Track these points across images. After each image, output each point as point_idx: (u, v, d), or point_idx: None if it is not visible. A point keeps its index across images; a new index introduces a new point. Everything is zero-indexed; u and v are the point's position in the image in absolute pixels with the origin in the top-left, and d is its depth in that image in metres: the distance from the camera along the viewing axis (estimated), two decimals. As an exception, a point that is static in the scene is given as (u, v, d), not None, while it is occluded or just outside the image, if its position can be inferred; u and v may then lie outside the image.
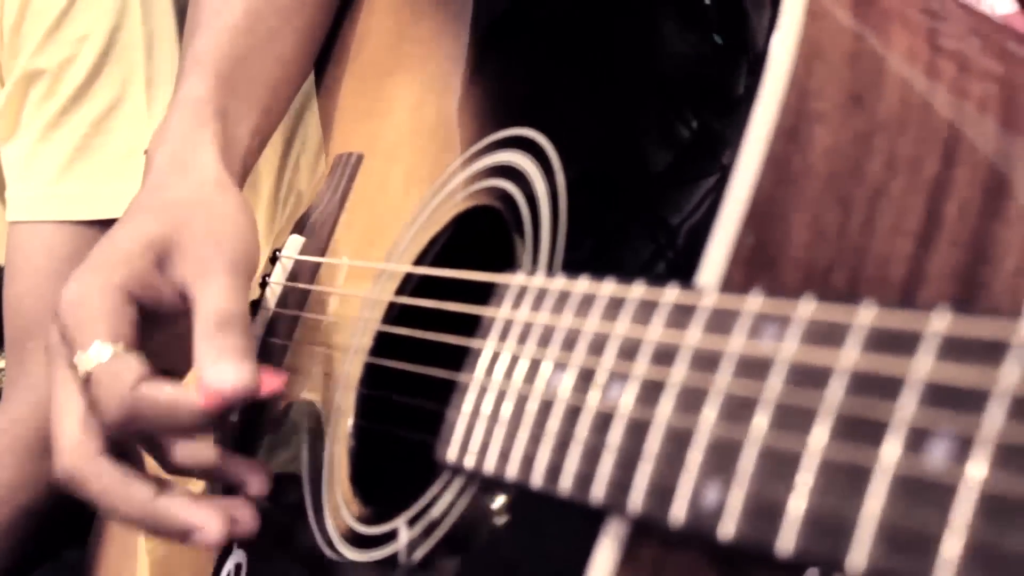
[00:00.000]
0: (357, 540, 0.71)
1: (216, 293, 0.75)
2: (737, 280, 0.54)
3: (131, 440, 0.76)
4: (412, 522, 0.66)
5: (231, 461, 0.77)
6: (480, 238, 0.74)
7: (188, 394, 0.72)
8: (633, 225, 0.62)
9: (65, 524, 1.26)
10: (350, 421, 0.77)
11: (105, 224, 1.29)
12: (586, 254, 0.63)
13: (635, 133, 0.65)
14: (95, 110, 1.29)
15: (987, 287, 0.57)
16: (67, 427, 0.75)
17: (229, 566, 0.82)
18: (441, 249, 0.77)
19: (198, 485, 0.87)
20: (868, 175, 0.56)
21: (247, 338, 0.74)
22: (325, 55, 0.99)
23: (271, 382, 0.74)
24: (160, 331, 0.77)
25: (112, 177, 1.30)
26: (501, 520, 0.61)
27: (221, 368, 0.72)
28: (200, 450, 0.75)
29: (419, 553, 0.65)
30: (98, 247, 0.79)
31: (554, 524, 0.59)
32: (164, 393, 0.72)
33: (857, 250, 0.56)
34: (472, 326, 0.66)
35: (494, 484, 0.61)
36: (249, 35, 0.91)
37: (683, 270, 0.56)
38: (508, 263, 0.67)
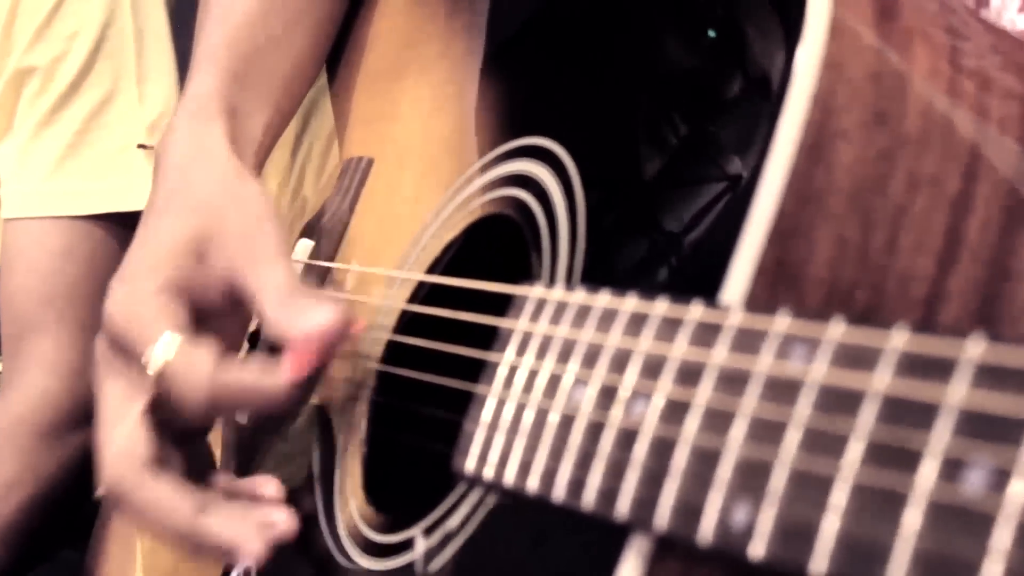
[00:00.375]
0: (371, 548, 0.71)
1: (279, 273, 0.74)
2: (761, 297, 0.55)
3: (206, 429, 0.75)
4: (429, 532, 0.66)
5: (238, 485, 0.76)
6: (494, 247, 0.74)
7: (272, 369, 0.71)
8: (651, 237, 0.62)
9: (64, 524, 1.26)
10: (363, 429, 0.77)
11: (99, 219, 1.29)
12: (605, 266, 0.64)
13: (653, 144, 0.65)
14: (87, 106, 1.30)
15: (1007, 306, 0.58)
16: (115, 437, 0.73)
17: (238, 571, 0.82)
18: (454, 257, 0.77)
19: None
20: (891, 192, 0.56)
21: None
22: (335, 58, 0.99)
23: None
24: (207, 330, 0.76)
25: (106, 172, 1.30)
26: (520, 533, 0.62)
27: (312, 314, 0.71)
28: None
29: (436, 563, 0.65)
30: (132, 255, 0.78)
31: (574, 538, 0.59)
32: (248, 371, 0.72)
33: (880, 268, 0.56)
34: (485, 336, 0.66)
35: (514, 496, 0.61)
36: (261, 30, 0.91)
37: (704, 283, 0.56)
38: (522, 273, 0.67)
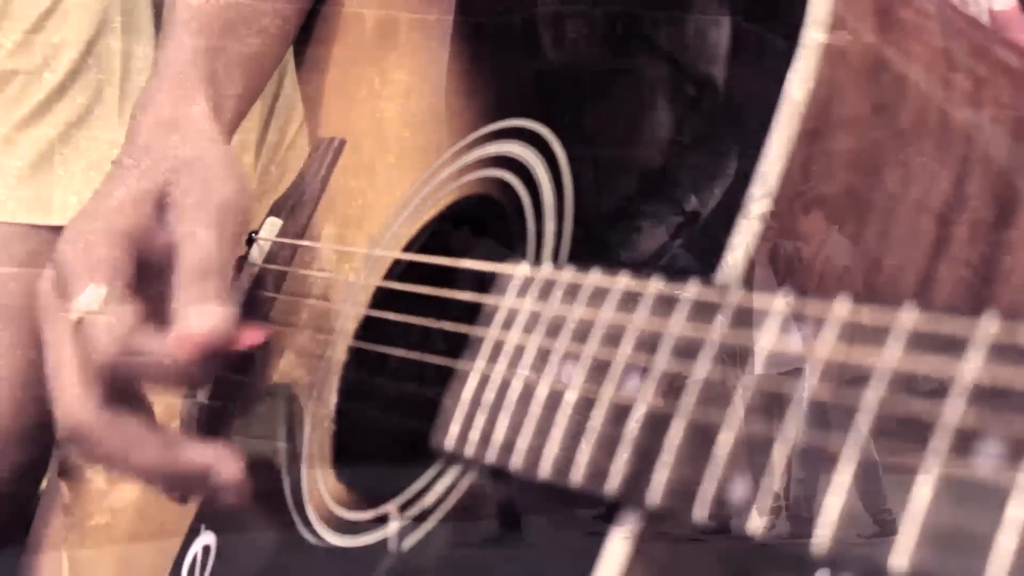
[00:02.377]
0: (341, 525, 0.70)
1: (200, 244, 0.73)
2: (757, 280, 0.55)
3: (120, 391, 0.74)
4: (404, 508, 0.66)
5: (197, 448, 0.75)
6: (474, 228, 0.74)
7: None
8: (641, 220, 0.62)
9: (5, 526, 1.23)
10: (332, 405, 0.76)
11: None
12: (593, 248, 0.63)
13: (642, 126, 0.65)
14: (66, 117, 1.27)
15: (994, 301, 0.58)
16: (66, 382, 0.72)
17: (196, 548, 0.80)
18: (432, 237, 0.76)
19: None
20: (886, 183, 0.57)
21: (227, 289, 0.72)
22: (304, 36, 0.98)
23: (252, 335, 0.73)
24: (148, 287, 0.75)
25: (78, 185, 1.28)
26: (501, 510, 0.61)
27: (197, 311, 0.70)
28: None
29: (411, 540, 0.65)
30: (93, 200, 0.77)
31: (556, 514, 0.59)
32: (159, 342, 0.70)
33: (872, 258, 0.57)
34: (465, 315, 0.66)
35: (495, 473, 0.61)
36: (232, 8, 0.90)
37: (695, 265, 0.56)
38: (503, 254, 0.67)
